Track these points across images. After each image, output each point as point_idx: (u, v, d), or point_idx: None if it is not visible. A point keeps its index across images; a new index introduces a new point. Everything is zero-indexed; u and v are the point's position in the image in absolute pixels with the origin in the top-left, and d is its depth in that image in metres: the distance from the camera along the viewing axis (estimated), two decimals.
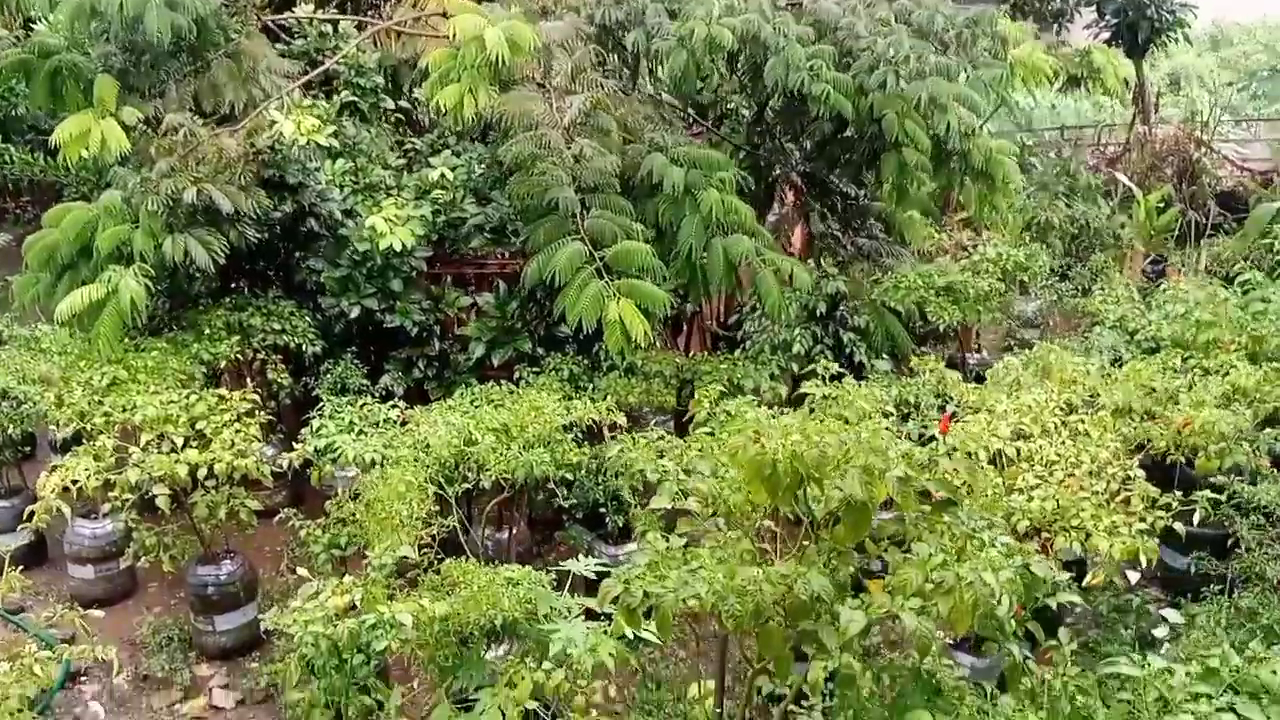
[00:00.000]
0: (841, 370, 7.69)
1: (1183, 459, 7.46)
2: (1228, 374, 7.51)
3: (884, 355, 9.66)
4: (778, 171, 10.34)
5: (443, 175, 9.66)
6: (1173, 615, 7.11)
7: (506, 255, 9.73)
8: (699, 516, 4.26)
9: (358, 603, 4.22)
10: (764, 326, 9.49)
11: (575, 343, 9.10)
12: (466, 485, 6.62)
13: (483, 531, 7.20)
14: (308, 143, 8.46)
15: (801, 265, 8.40)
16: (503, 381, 7.99)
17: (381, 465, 6.41)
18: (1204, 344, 7.99)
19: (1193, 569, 7.34)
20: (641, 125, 8.52)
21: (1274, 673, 3.54)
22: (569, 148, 7.85)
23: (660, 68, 9.19)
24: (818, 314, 9.54)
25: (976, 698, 3.93)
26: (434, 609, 4.17)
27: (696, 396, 5.98)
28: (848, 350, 9.41)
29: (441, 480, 6.42)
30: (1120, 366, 7.66)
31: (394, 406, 7.30)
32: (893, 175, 8.83)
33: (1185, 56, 27.88)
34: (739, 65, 9.41)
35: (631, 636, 4.33)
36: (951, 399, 7.97)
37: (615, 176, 7.94)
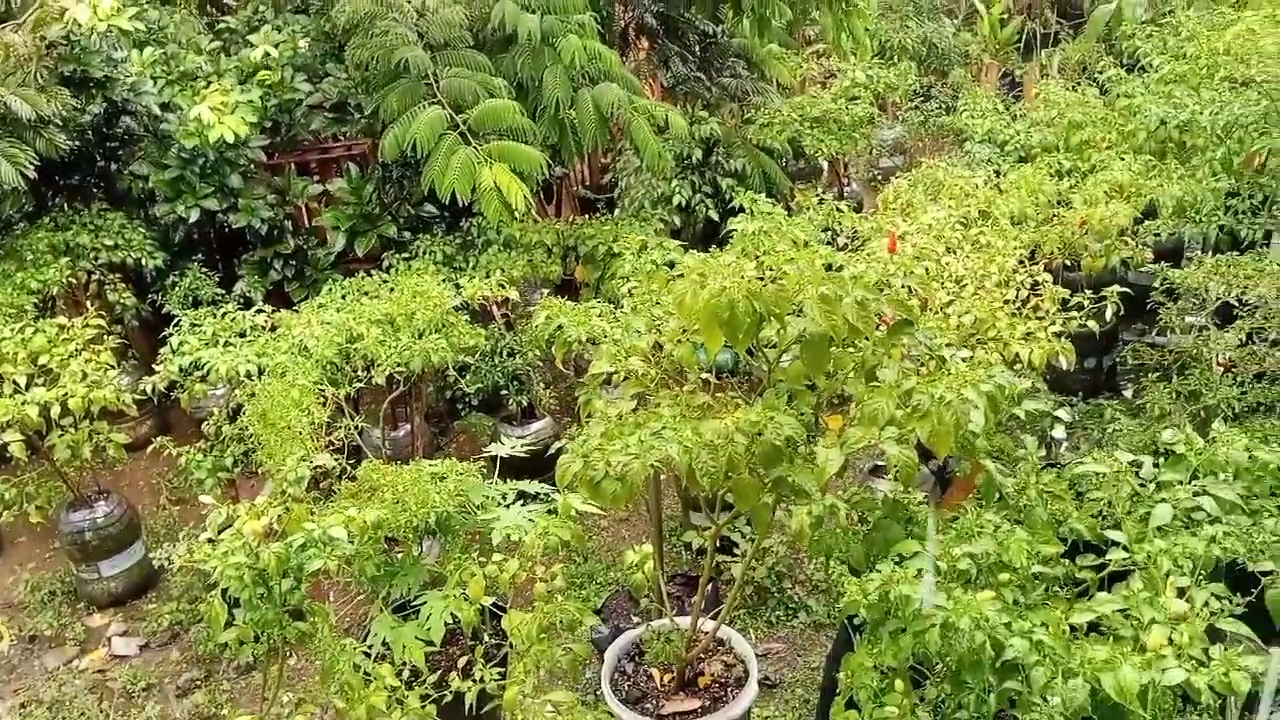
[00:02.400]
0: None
1: (1065, 263, 7.55)
2: (1102, 170, 7.57)
3: (762, 197, 9.42)
4: (629, 16, 9.79)
5: (266, 54, 8.72)
6: (1065, 414, 7.30)
7: (352, 135, 8.96)
8: (642, 375, 3.95)
9: (275, 525, 3.80)
10: (641, 181, 9.08)
11: (444, 222, 8.54)
12: (359, 385, 6.14)
13: (384, 431, 6.75)
14: (108, 29, 7.42)
15: (676, 110, 7.98)
16: (372, 272, 7.40)
17: (260, 376, 5.85)
18: (1078, 145, 8.02)
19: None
20: None
21: (1249, 452, 3.54)
22: (410, 1, 7.14)
23: None
24: (693, 162, 9.18)
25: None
26: (364, 517, 3.78)
27: (617, 250, 5.60)
28: (726, 196, 9.14)
29: (329, 383, 5.92)
30: (1003, 178, 7.63)
31: (259, 312, 6.66)
32: (754, 4, 8.47)
33: None
34: None
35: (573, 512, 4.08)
36: (839, 232, 7.82)
37: (465, 30, 7.29)
